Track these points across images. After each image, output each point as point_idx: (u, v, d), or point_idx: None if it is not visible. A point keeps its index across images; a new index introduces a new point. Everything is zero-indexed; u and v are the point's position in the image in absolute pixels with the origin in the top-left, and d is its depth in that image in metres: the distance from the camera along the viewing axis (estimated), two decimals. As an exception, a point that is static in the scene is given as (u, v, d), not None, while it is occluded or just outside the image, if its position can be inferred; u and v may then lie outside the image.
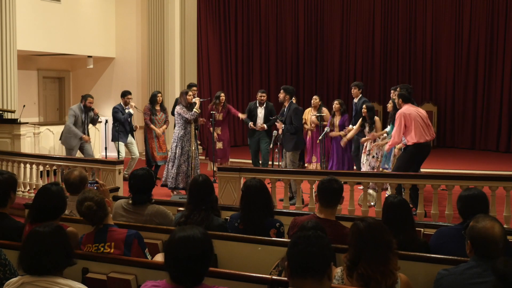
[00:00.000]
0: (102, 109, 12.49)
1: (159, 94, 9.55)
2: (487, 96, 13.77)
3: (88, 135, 9.30)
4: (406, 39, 14.79)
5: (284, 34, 15.77)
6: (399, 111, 7.04)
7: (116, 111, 9.54)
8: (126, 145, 9.68)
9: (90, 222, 3.49)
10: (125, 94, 9.68)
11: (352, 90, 9.48)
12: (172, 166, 8.14)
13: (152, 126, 9.35)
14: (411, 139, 6.88)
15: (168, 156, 8.37)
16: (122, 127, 9.51)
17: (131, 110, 9.65)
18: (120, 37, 13.00)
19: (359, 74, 15.22)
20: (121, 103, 9.63)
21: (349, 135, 8.72)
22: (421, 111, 7.11)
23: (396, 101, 7.44)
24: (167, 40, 12.41)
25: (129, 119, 9.64)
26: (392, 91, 8.45)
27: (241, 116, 9.50)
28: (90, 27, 12.29)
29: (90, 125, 11.00)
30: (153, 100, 9.48)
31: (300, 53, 15.82)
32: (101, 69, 13.17)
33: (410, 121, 6.88)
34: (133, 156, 9.74)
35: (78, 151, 9.12)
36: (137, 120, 10.07)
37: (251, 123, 9.23)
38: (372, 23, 15.08)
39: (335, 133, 9.10)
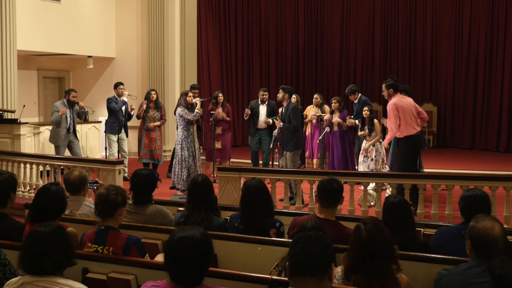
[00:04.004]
0: (102, 109, 12.47)
1: (152, 92, 9.57)
2: (487, 96, 13.76)
3: (75, 130, 9.15)
4: (406, 39, 14.79)
5: (284, 34, 15.76)
6: (391, 102, 6.92)
7: (109, 102, 9.52)
8: (118, 141, 9.61)
9: (97, 211, 3.52)
10: (117, 85, 9.70)
11: (350, 98, 9.44)
12: (180, 168, 8.09)
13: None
14: (401, 132, 6.87)
15: (177, 158, 8.16)
16: (114, 118, 9.46)
17: (124, 98, 9.62)
18: (120, 37, 12.99)
19: (359, 74, 15.22)
20: (115, 95, 9.63)
21: (351, 122, 8.75)
22: (410, 101, 7.00)
23: (385, 92, 7.10)
24: (167, 40, 12.40)
25: (123, 109, 9.59)
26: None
27: (246, 112, 9.40)
28: (90, 27, 12.28)
29: (90, 125, 11.00)
30: (146, 97, 9.56)
31: (300, 53, 15.82)
32: (101, 69, 13.16)
33: (402, 113, 6.84)
34: (123, 153, 9.68)
35: (67, 150, 9.09)
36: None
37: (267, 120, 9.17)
38: (372, 23, 15.08)
39: (337, 119, 9.02)
